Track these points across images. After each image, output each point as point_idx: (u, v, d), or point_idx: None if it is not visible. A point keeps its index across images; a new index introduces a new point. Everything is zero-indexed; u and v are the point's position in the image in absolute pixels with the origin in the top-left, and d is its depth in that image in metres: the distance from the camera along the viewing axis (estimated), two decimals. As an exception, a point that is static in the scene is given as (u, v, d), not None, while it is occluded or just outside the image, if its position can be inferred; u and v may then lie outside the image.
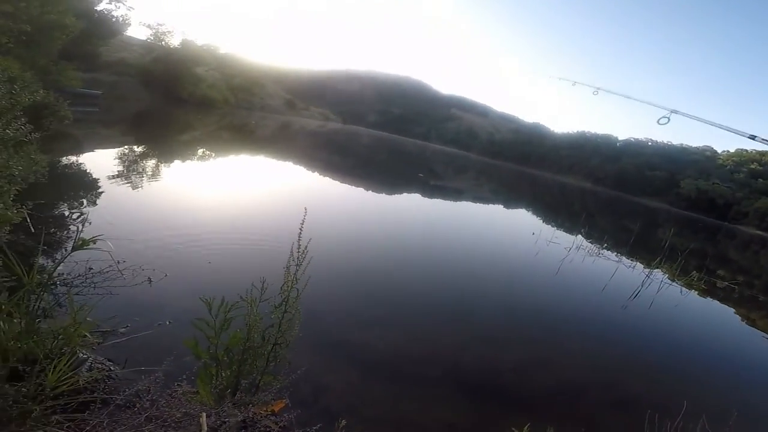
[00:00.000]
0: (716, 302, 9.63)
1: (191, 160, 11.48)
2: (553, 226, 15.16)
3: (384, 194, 13.82)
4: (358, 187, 13.64)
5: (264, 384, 2.17)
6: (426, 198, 15.99)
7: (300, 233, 2.07)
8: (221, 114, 34.26)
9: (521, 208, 21.53)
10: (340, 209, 9.65)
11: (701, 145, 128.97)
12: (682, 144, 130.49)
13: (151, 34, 35.02)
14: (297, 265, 2.06)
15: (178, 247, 4.58)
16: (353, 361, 3.55)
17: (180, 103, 32.65)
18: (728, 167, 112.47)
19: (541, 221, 16.84)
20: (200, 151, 13.06)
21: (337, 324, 4.10)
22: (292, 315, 2.11)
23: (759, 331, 7.84)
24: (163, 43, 35.29)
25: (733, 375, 5.47)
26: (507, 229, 13.20)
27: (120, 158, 9.30)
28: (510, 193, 28.74)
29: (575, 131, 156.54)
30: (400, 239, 8.32)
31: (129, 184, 7.21)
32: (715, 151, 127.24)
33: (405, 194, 15.71)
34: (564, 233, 14.03)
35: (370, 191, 13.41)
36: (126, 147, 10.77)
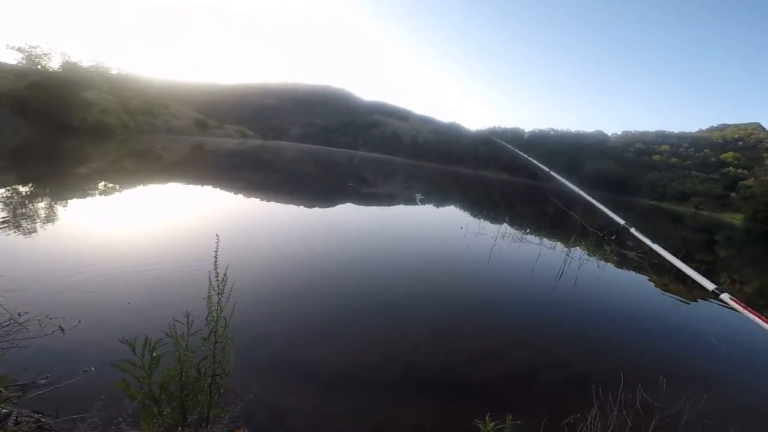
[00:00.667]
0: (631, 272, 10.68)
1: (92, 195, 10.04)
2: (478, 219, 16.00)
3: (317, 208, 13.36)
4: (287, 203, 13.05)
5: (213, 417, 2.16)
6: (360, 206, 15.83)
7: (216, 261, 2.01)
8: (120, 141, 31.00)
9: (450, 205, 22.39)
10: (272, 229, 9.08)
11: (594, 130, 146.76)
12: (578, 131, 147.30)
13: (22, 58, 30.77)
14: (219, 294, 2.01)
15: (89, 291, 4.31)
16: (310, 379, 3.52)
17: (70, 132, 29.02)
18: (618, 148, 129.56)
19: (468, 215, 17.66)
20: (101, 185, 11.52)
21: (288, 344, 4.00)
22: (225, 344, 2.08)
23: (671, 294, 8.74)
24: (39, 66, 31.18)
25: (656, 339, 5.98)
26: (439, 227, 13.53)
27: (1, 202, 7.84)
28: (438, 192, 29.79)
29: (487, 128, 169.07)
30: (339, 250, 8.08)
31: (18, 231, 6.14)
32: (606, 135, 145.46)
33: (339, 205, 15.39)
34: (489, 224, 14.83)
35: (301, 206, 12.88)
36: (7, 188, 9.14)
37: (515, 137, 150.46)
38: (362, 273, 6.87)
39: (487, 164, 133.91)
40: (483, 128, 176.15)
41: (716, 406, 3.89)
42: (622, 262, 11.39)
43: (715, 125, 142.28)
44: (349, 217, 12.80)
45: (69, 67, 33.58)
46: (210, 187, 14.40)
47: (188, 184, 14.51)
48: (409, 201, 19.87)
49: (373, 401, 3.35)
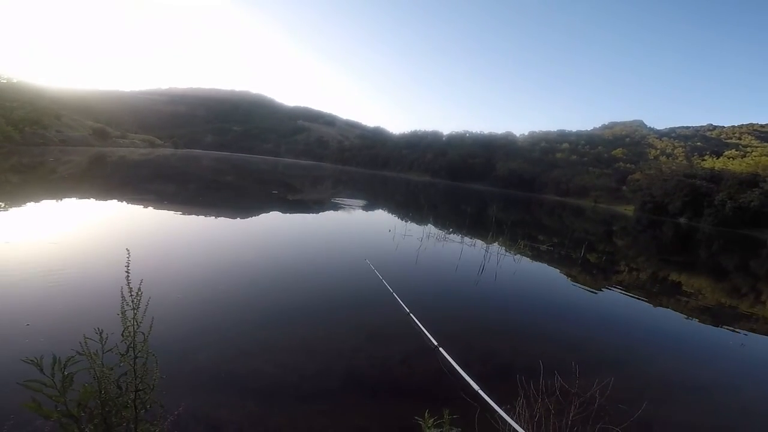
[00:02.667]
0: (544, 264, 11.81)
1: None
2: (405, 221, 16.64)
3: (239, 218, 12.84)
4: (206, 215, 12.34)
5: None
6: (286, 214, 15.53)
7: (128, 276, 1.98)
8: (3, 154, 26.59)
9: (378, 209, 22.91)
10: (192, 242, 8.54)
11: (504, 131, 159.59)
12: (490, 132, 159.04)
13: None
14: (134, 309, 1.98)
15: None
16: (246, 391, 3.44)
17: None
18: (526, 147, 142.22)
19: (396, 218, 18.25)
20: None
21: (218, 357, 3.90)
22: (146, 359, 2.04)
23: (579, 285, 9.74)
24: None
25: (569, 326, 6.54)
26: (369, 231, 13.81)
27: None
28: (366, 197, 30.24)
29: (409, 131, 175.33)
30: (267, 259, 7.93)
31: None
32: (515, 135, 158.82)
33: (263, 214, 14.92)
34: (415, 225, 15.55)
35: (221, 217, 12.28)
36: None
37: (435, 140, 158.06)
38: (293, 280, 6.83)
39: (411, 167, 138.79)
40: (406, 131, 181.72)
41: (626, 386, 4.42)
42: (536, 255, 12.68)
43: (606, 123, 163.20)
44: (274, 226, 12.51)
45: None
46: (115, 201, 13.07)
47: (88, 197, 12.98)
48: (338, 206, 19.95)
49: (315, 408, 3.34)
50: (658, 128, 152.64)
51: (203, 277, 6.26)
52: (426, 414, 2.48)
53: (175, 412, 2.26)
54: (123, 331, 1.98)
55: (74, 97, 79.84)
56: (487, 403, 3.43)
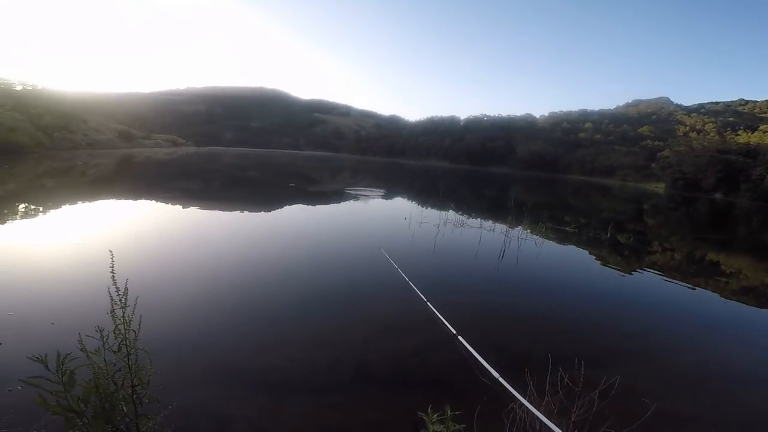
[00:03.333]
0: (570, 246, 11.39)
1: (11, 219, 9.00)
2: (422, 207, 16.45)
3: (258, 212, 13.04)
4: (231, 210, 12.57)
5: (144, 427, 2.16)
6: (308, 205, 15.65)
7: (113, 275, 2.07)
8: (36, 159, 27.86)
9: (395, 197, 22.78)
10: (216, 237, 8.72)
11: (523, 113, 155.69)
12: (509, 115, 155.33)
13: None
14: (122, 307, 2.05)
15: (8, 314, 4.22)
16: (258, 385, 3.45)
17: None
18: (547, 128, 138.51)
19: (414, 204, 18.10)
20: (21, 208, 10.37)
21: (232, 352, 3.93)
22: (137, 356, 2.11)
23: (609, 266, 9.39)
24: None
25: (595, 311, 6.21)
26: (385, 220, 13.70)
27: None
28: (384, 185, 30.14)
29: (425, 117, 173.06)
30: (281, 252, 7.97)
31: None
32: (535, 117, 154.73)
33: (286, 206, 15.10)
34: (432, 211, 15.37)
35: (245, 212, 12.49)
36: None
37: (452, 125, 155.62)
38: (311, 271, 6.85)
39: (428, 153, 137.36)
40: (422, 118, 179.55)
41: (658, 374, 4.20)
42: (562, 237, 12.30)
43: (630, 101, 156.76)
44: (290, 219, 12.63)
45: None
46: (144, 200, 13.46)
47: (119, 198, 13.45)
48: (354, 197, 19.94)
49: (328, 401, 3.32)
50: (685, 104, 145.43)
51: (218, 272, 6.34)
52: (429, 409, 2.46)
53: (170, 407, 2.30)
54: (114, 329, 2.05)
55: (96, 100, 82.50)
56: (509, 393, 3.29)
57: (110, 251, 2.21)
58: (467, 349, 4.11)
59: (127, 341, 2.07)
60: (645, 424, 2.99)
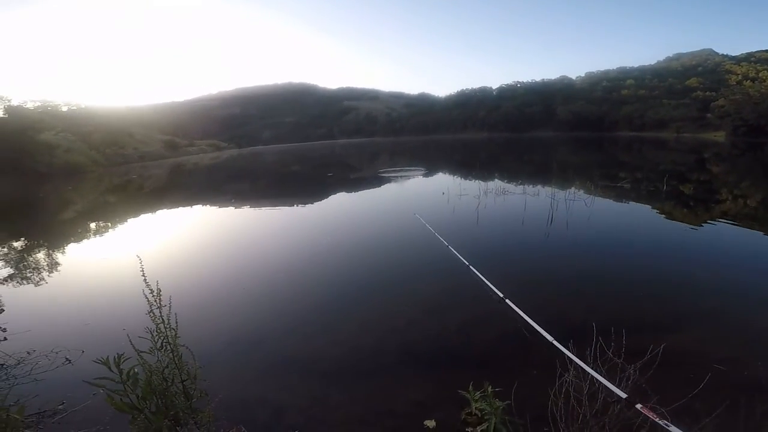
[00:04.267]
0: (626, 203, 10.71)
1: (86, 237, 10.01)
2: (460, 179, 16.02)
3: (309, 204, 13.42)
4: (281, 206, 13.07)
5: (200, 420, 2.25)
6: (351, 192, 15.94)
7: (144, 279, 2.15)
8: (95, 177, 30.36)
9: (438, 172, 22.48)
10: (272, 232, 9.19)
11: (559, 76, 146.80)
12: (543, 79, 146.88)
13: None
14: (158, 307, 2.15)
15: (86, 324, 4.64)
16: (308, 374, 3.54)
17: (41, 178, 28.29)
18: (586, 89, 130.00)
19: (454, 178, 17.68)
20: (93, 225, 11.45)
21: (282, 343, 4.12)
22: (180, 352, 2.21)
23: (674, 220, 8.66)
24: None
25: (659, 271, 5.57)
26: (422, 197, 13.38)
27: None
28: (423, 164, 29.80)
29: (456, 91, 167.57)
30: (323, 241, 8.09)
31: (17, 281, 6.57)
32: (571, 78, 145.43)
33: (331, 196, 15.44)
34: (470, 182, 14.95)
35: (295, 205, 12.93)
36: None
37: (484, 96, 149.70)
38: (348, 259, 6.93)
39: (464, 126, 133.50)
40: (452, 92, 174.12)
41: (732, 340, 3.68)
42: (615, 196, 11.57)
43: (671, 55, 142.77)
44: (331, 206, 12.95)
45: (13, 112, 32.41)
46: (200, 206, 14.31)
47: (177, 206, 14.43)
48: (399, 177, 19.92)
49: (374, 384, 3.36)
50: (732, 54, 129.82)
51: (269, 267, 6.70)
52: (470, 387, 2.50)
53: (216, 399, 2.38)
54: (154, 329, 2.17)
55: (136, 113, 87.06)
56: (562, 360, 2.89)
57: (138, 257, 2.40)
58: (516, 317, 3.97)
59: (169, 339, 2.17)
60: (715, 389, 2.63)
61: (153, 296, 2.17)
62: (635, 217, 9.49)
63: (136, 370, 2.08)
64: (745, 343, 3.68)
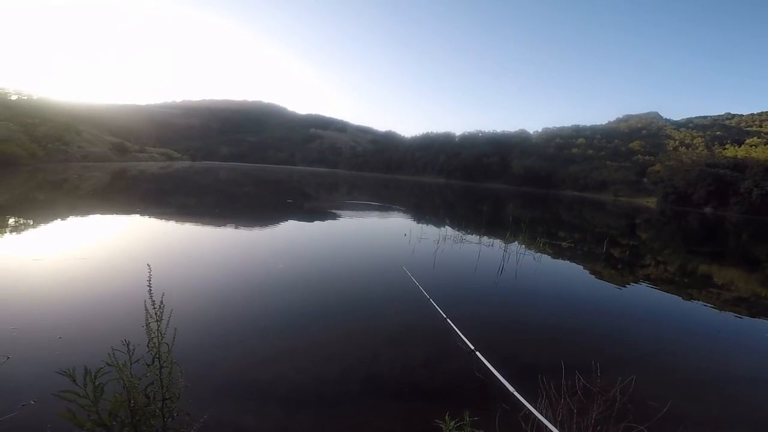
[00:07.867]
0: (565, 261, 11.55)
1: (1, 233, 8.94)
2: (420, 224, 16.53)
3: (256, 228, 13.02)
4: (225, 226, 12.55)
5: None
6: (304, 222, 15.66)
7: (150, 289, 2.10)
8: (29, 171, 27.77)
9: (393, 212, 22.86)
10: (211, 254, 8.71)
11: (517, 129, 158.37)
12: (503, 131, 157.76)
13: None
14: (157, 321, 2.09)
15: (14, 330, 4.19)
16: (270, 397, 3.48)
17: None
18: (541, 144, 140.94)
19: (411, 221, 18.14)
20: (11, 221, 10.30)
21: (242, 365, 3.96)
22: (170, 369, 2.14)
23: (604, 280, 9.54)
24: None
25: (591, 323, 6.37)
26: (384, 237, 13.66)
27: None
28: (381, 201, 30.26)
29: (421, 133, 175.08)
30: (284, 268, 7.92)
31: None
32: (529, 133, 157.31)
33: (282, 223, 15.08)
34: (431, 227, 15.44)
35: (240, 228, 12.47)
36: None
37: (447, 141, 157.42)
38: (313, 287, 6.84)
39: (424, 169, 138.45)
40: (417, 134, 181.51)
41: (655, 383, 4.31)
42: (557, 252, 12.42)
43: (621, 116, 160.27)
44: (289, 235, 12.58)
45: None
46: (138, 215, 13.41)
47: (113, 213, 13.40)
48: (355, 213, 20.01)
49: (339, 413, 3.36)
50: (674, 119, 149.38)
51: (223, 288, 6.35)
52: (446, 417, 2.46)
53: (201, 420, 2.32)
54: (148, 342, 2.08)
55: (91, 111, 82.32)
56: (510, 402, 3.37)
57: (148, 265, 2.26)
58: (477, 361, 4.17)
59: (160, 354, 2.11)
60: (654, 426, 3.18)
61: (154, 308, 2.13)
62: (574, 274, 10.21)
63: (101, 384, 1.96)
64: (668, 384, 4.48)
